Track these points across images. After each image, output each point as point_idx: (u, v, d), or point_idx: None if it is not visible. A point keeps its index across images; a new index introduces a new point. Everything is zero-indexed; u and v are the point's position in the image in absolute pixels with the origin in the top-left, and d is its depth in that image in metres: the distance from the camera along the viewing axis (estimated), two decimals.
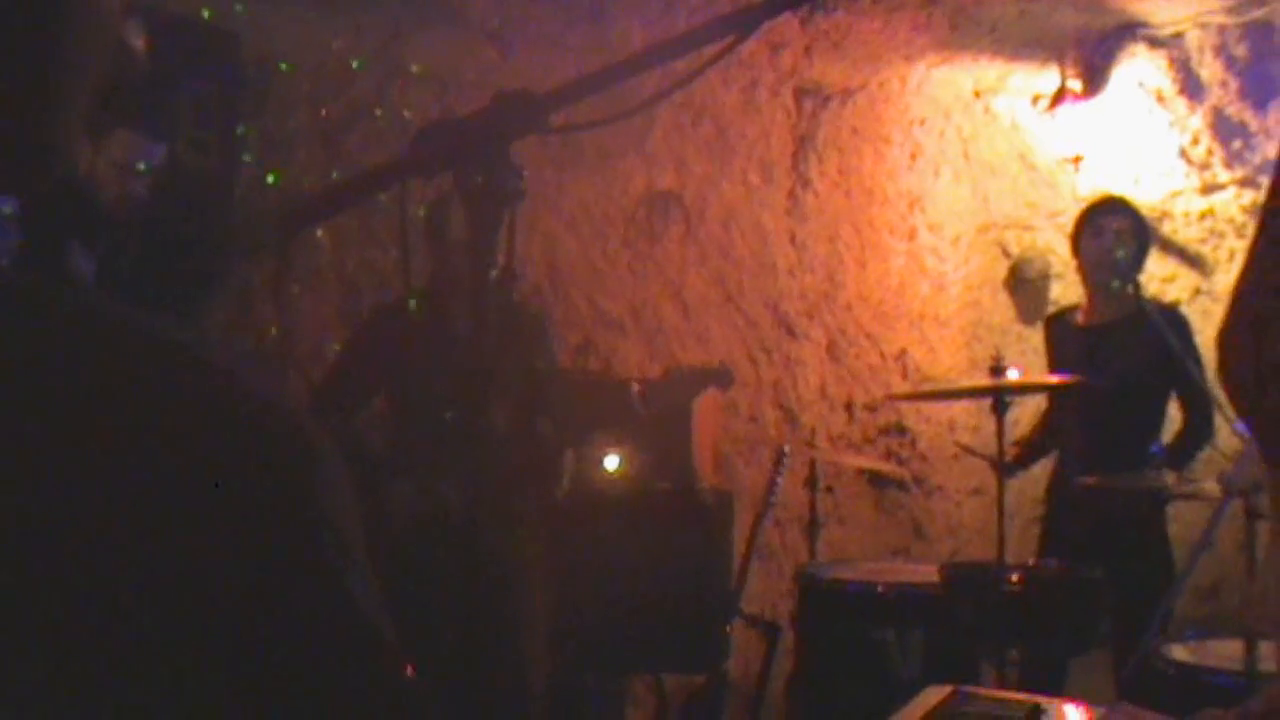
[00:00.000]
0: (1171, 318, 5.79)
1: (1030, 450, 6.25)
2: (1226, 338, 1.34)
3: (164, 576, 0.92)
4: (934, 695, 2.00)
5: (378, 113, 6.10)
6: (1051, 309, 7.81)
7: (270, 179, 5.84)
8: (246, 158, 5.76)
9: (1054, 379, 5.89)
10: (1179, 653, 4.51)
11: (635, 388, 5.90)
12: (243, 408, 1.00)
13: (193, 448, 0.95)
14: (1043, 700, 1.92)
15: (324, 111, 6.16)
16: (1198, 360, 5.67)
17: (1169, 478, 5.01)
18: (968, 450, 6.74)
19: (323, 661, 1.01)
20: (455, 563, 4.95)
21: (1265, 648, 4.21)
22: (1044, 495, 6.20)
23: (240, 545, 0.96)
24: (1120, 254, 5.77)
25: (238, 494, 0.95)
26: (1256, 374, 1.26)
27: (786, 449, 6.14)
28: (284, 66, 6.02)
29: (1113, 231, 5.80)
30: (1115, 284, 5.81)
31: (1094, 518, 5.66)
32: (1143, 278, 6.00)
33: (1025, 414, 7.90)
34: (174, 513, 0.93)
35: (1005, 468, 6.07)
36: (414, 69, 6.28)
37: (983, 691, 2.02)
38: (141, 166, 4.79)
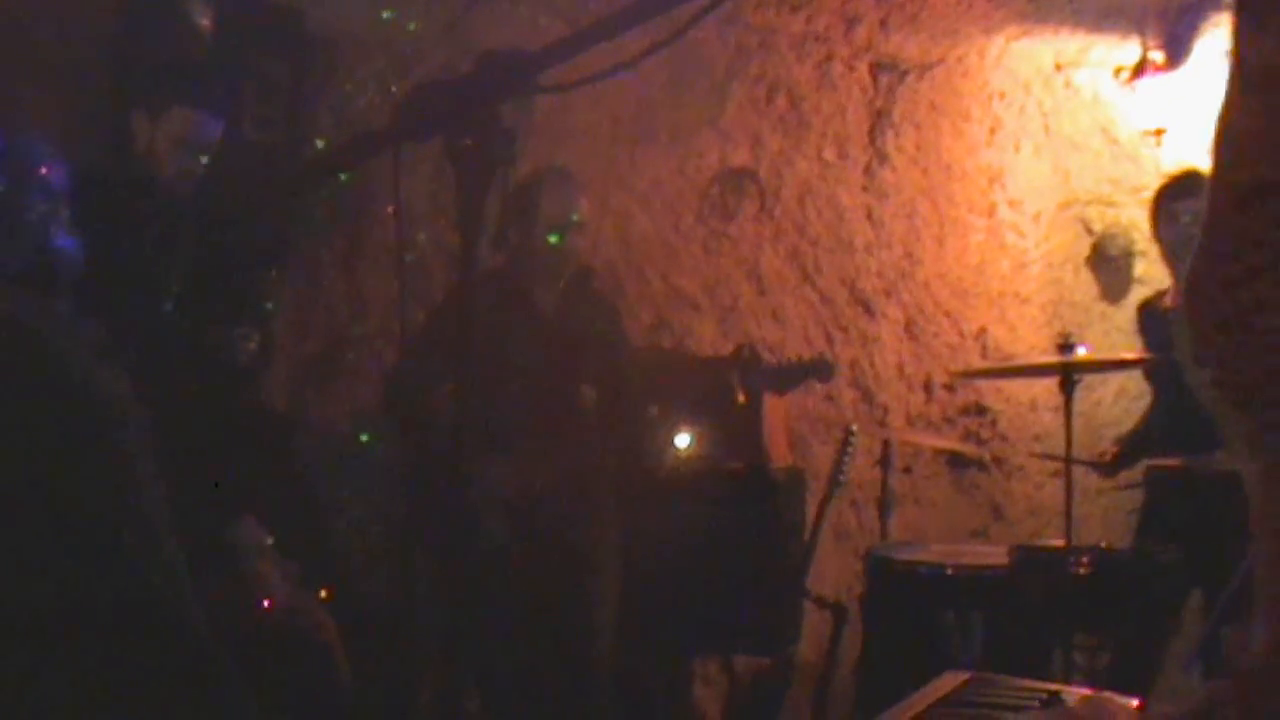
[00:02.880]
0: None
1: (1132, 446, 6.10)
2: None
3: None
4: (950, 681, 1.93)
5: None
6: (1136, 287, 7.70)
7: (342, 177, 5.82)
8: (316, 139, 5.75)
9: (1123, 356, 5.78)
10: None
11: (735, 374, 5.88)
12: None
13: None
14: (1064, 688, 1.85)
15: (393, 89, 6.14)
16: None
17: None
18: (1041, 456, 6.66)
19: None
20: (539, 545, 4.95)
21: None
22: (1141, 480, 6.06)
23: None
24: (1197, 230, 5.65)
25: None
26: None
27: (854, 429, 6.07)
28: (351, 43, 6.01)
29: (1188, 214, 5.67)
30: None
31: (1189, 502, 5.55)
32: None
33: (1122, 405, 7.79)
34: None
35: (1104, 467, 5.97)
36: (484, 46, 6.24)
37: (1001, 678, 1.95)
38: (201, 144, 4.79)
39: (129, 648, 1.24)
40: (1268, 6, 1.25)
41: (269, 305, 5.24)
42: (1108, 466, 6.05)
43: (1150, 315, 6.06)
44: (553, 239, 5.35)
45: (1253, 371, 1.26)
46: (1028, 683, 1.92)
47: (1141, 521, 6.00)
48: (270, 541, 4.57)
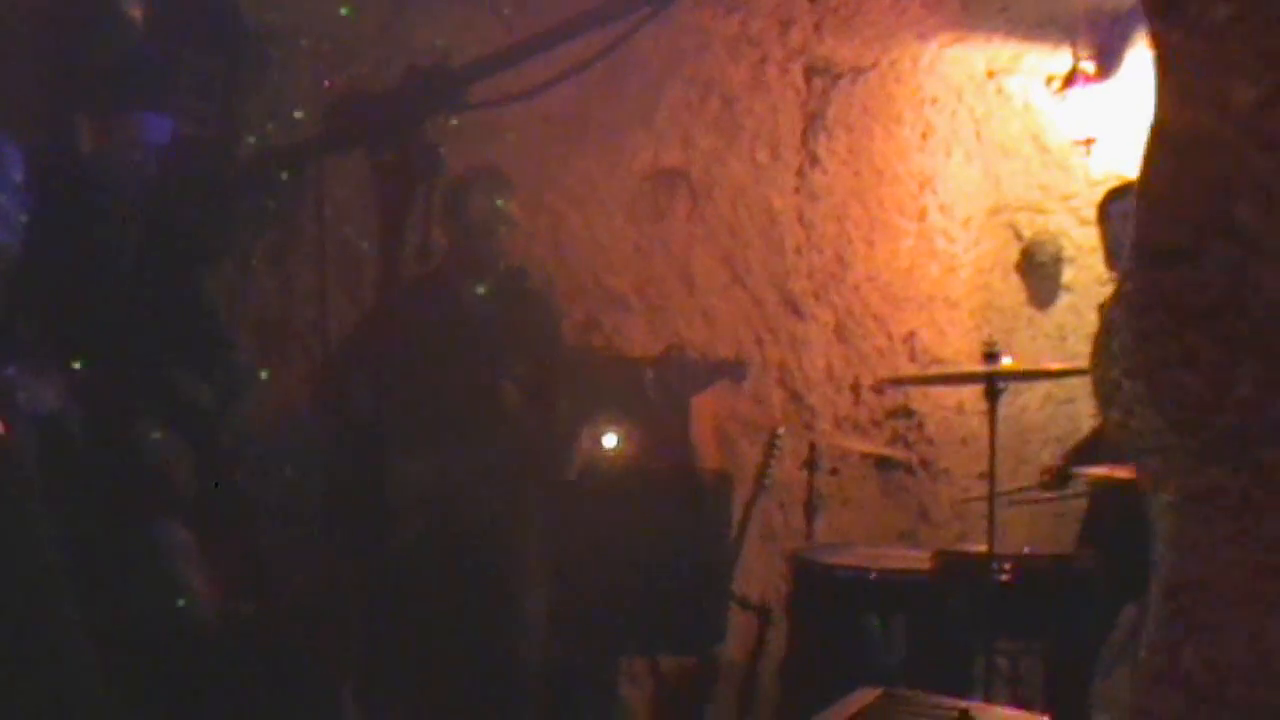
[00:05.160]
0: None
1: (1076, 461, 6.12)
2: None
3: None
4: (862, 697, 1.95)
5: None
6: (1064, 293, 7.76)
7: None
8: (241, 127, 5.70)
9: (1047, 366, 5.84)
10: None
11: (650, 374, 5.88)
12: None
13: None
14: (972, 706, 1.86)
15: (327, 84, 6.10)
16: None
17: None
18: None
19: None
20: (459, 543, 4.94)
21: None
22: (1085, 490, 6.10)
23: None
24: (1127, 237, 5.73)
25: None
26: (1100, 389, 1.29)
27: (780, 431, 6.10)
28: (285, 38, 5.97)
29: (1119, 217, 5.75)
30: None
31: (1117, 509, 5.59)
32: None
33: (1048, 411, 7.85)
34: None
35: (1047, 486, 6.01)
36: (418, 42, 6.22)
37: (913, 695, 1.97)
38: (150, 144, 4.75)
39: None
40: (1195, 75, 1.27)
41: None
42: (1050, 484, 6.09)
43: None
44: (481, 237, 5.36)
45: (1155, 421, 1.29)
46: (939, 700, 1.93)
47: (1082, 531, 6.05)
48: (193, 541, 4.54)
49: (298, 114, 5.93)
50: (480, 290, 5.51)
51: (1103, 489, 5.77)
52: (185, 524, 4.59)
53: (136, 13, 5.28)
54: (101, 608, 4.30)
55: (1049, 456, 7.57)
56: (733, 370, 6.41)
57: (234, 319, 5.89)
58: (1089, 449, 6.10)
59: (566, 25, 1.68)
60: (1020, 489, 6.01)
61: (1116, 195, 5.92)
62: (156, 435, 4.65)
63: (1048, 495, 6.18)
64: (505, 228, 5.48)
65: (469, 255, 5.45)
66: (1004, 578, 5.00)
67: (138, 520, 4.49)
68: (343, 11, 6.07)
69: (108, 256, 4.71)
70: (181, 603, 4.45)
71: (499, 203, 5.47)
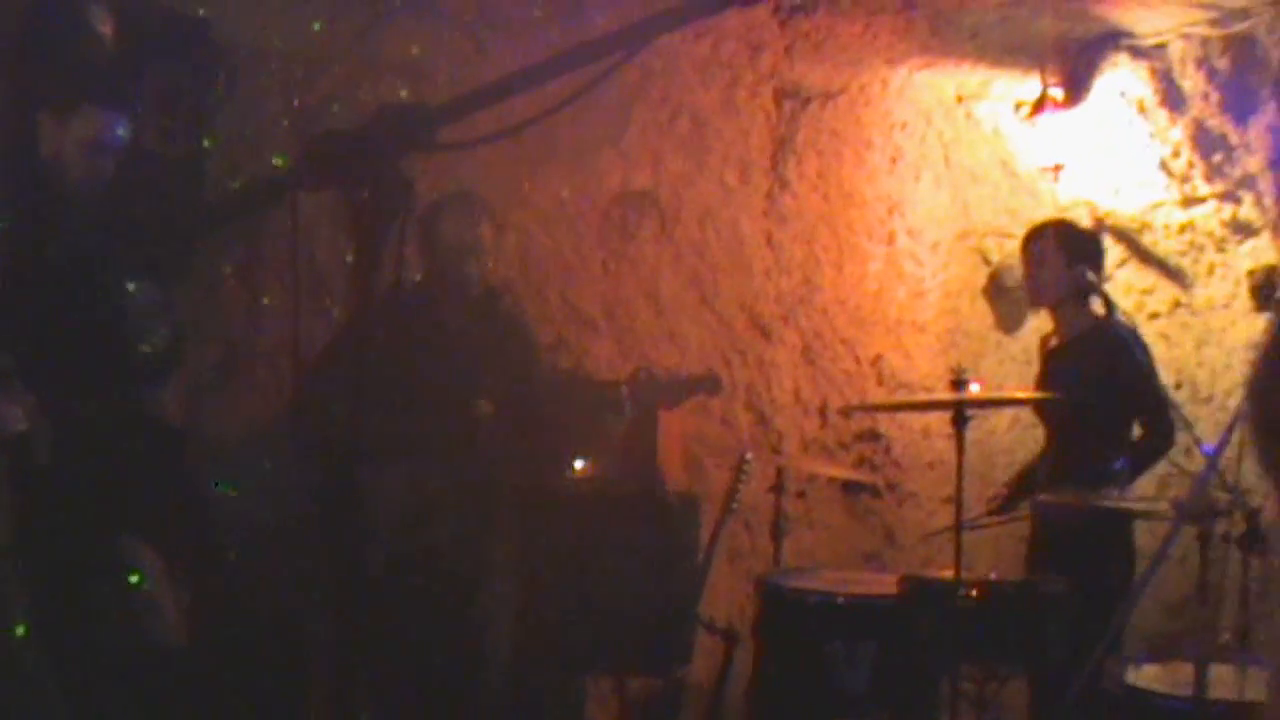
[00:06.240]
0: (1125, 334, 5.80)
1: (1021, 486, 6.17)
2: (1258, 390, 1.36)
3: None
4: None
5: (335, 108, 6.04)
6: (1031, 318, 7.80)
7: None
8: (207, 144, 5.68)
9: (1014, 394, 5.89)
10: (1129, 675, 4.47)
11: (625, 389, 5.91)
12: None
13: None
14: None
15: (296, 101, 6.11)
16: (1149, 375, 5.67)
17: (1120, 496, 4.97)
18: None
19: None
20: (430, 559, 4.94)
21: (1216, 671, 4.17)
22: (1028, 514, 6.15)
23: None
24: (1043, 275, 5.90)
25: None
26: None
27: (748, 456, 6.11)
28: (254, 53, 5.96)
29: (1031, 255, 5.93)
30: (1045, 304, 6.06)
31: (1062, 534, 5.64)
32: (1121, 290, 6.02)
33: (1015, 434, 7.87)
34: None
35: (995, 512, 6.07)
36: (388, 60, 6.23)
37: None
38: (109, 145, 4.74)
39: None
40: None
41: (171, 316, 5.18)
42: (998, 510, 6.15)
43: (1042, 349, 6.18)
44: (454, 264, 5.38)
45: None
46: None
47: (1029, 554, 6.08)
48: (159, 561, 4.53)
49: (265, 131, 5.94)
50: (455, 310, 5.53)
51: (1047, 513, 5.81)
52: (153, 541, 4.58)
53: (106, 29, 5.27)
54: (68, 625, 4.30)
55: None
56: (707, 384, 6.43)
57: (202, 337, 5.88)
58: (1030, 474, 6.15)
59: (542, 66, 1.69)
60: (974, 519, 6.04)
61: (1037, 235, 6.05)
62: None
63: (997, 520, 6.22)
64: (477, 255, 5.50)
65: (444, 280, 5.48)
66: (970, 602, 5.01)
67: (105, 537, 4.48)
68: (314, 26, 6.07)
69: (65, 267, 4.69)
70: (149, 620, 4.44)
71: (472, 229, 5.50)
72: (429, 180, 5.77)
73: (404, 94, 6.19)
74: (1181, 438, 5.72)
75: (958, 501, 5.05)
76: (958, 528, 4.99)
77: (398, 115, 1.69)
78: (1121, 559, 5.63)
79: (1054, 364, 6.00)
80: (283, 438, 5.62)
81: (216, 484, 5.57)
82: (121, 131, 4.77)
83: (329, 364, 5.06)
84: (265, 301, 6.03)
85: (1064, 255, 5.84)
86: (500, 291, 5.87)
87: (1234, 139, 7.16)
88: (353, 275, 1.71)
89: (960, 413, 5.00)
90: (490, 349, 5.57)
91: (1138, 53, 7.24)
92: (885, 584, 5.46)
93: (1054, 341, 6.05)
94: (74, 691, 4.19)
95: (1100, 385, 5.66)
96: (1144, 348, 5.82)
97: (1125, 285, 6.32)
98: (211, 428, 5.89)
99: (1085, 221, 7.27)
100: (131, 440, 4.76)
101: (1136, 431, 5.77)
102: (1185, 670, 4.23)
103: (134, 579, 4.46)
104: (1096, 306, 5.89)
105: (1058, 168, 7.78)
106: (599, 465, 6.02)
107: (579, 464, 5.98)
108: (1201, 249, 7.54)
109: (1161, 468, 6.12)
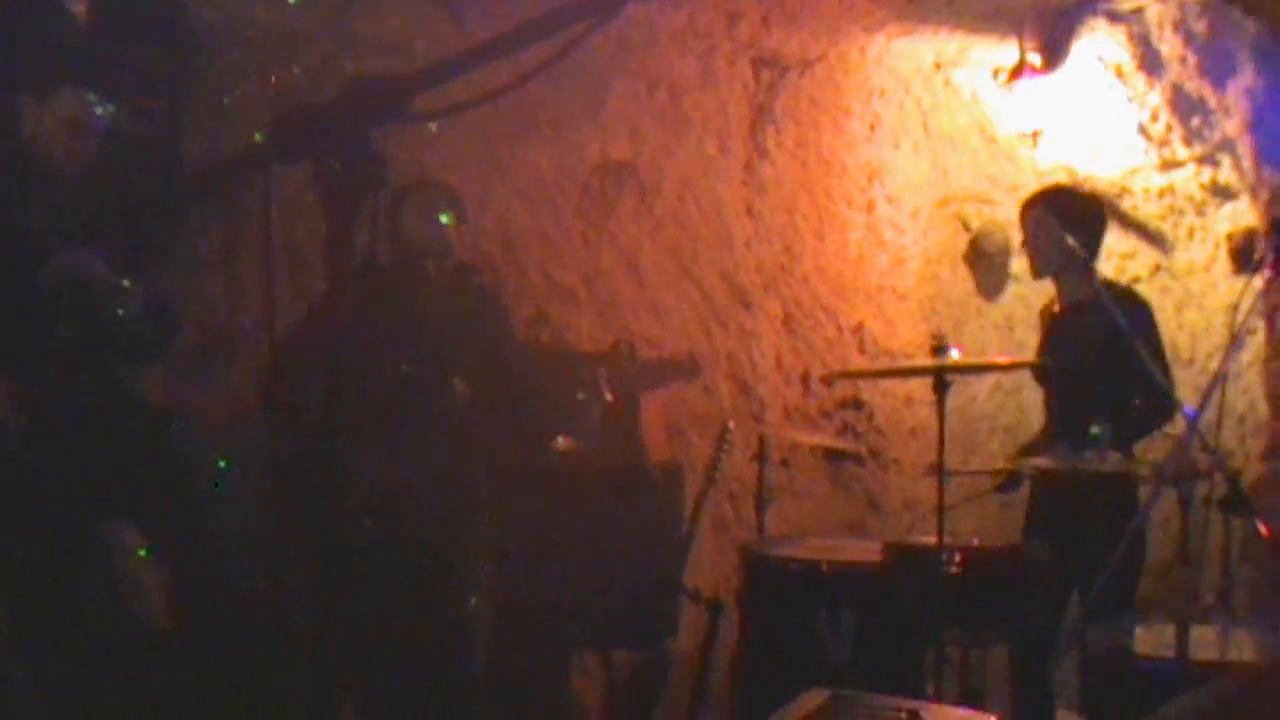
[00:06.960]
0: (1127, 300, 5.78)
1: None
2: None
3: None
4: (810, 699, 1.95)
5: (313, 85, 6.01)
6: (1011, 283, 7.81)
7: None
8: (186, 122, 5.66)
9: (994, 359, 5.89)
10: (1112, 637, 4.49)
11: (602, 373, 5.90)
12: None
13: None
14: (920, 705, 1.87)
15: (273, 79, 6.07)
16: (1152, 342, 5.65)
17: (1103, 460, 4.95)
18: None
19: None
20: (408, 538, 4.93)
21: (1198, 633, 4.19)
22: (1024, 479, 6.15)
23: None
24: (1039, 244, 5.87)
25: None
26: None
27: (730, 425, 6.12)
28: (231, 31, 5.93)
29: (1026, 224, 5.91)
30: (1046, 272, 5.98)
31: (1062, 500, 5.63)
32: (1103, 256, 6.01)
33: (997, 400, 7.89)
34: None
35: (1001, 487, 6.07)
36: (366, 37, 6.20)
37: (861, 696, 1.98)
38: (91, 125, 4.72)
39: None
40: None
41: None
42: (1004, 487, 6.14)
43: (1045, 316, 6.17)
44: (416, 254, 5.37)
45: None
46: (888, 700, 1.94)
47: (1026, 520, 6.09)
48: (144, 543, 4.52)
49: (242, 111, 5.91)
50: (425, 290, 5.51)
51: (1040, 478, 5.82)
52: (137, 523, 4.57)
53: (80, 8, 5.25)
54: (52, 608, 4.28)
55: (998, 445, 7.64)
56: (685, 369, 6.44)
57: (182, 318, 5.86)
58: (1034, 447, 6.14)
59: (514, 33, 1.68)
60: (978, 493, 6.05)
61: (1031, 203, 6.03)
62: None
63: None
64: (437, 247, 5.46)
65: (411, 265, 5.46)
66: (954, 569, 5.02)
67: (88, 522, 4.47)
68: (291, 3, 6.04)
69: (49, 236, 4.67)
70: (132, 604, 4.43)
71: (431, 221, 5.46)
72: (407, 154, 5.76)
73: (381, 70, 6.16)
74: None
75: (940, 467, 5.04)
76: (940, 493, 4.99)
77: (369, 87, 1.67)
78: (1122, 523, 5.63)
79: (1057, 329, 6.00)
80: (262, 418, 5.61)
81: (218, 465, 5.55)
82: (101, 112, 4.74)
83: (302, 344, 5.06)
84: (245, 281, 6.00)
85: (1058, 223, 5.82)
86: (473, 268, 5.84)
87: (1212, 102, 7.16)
88: (325, 250, 1.69)
89: (941, 379, 5.00)
90: (463, 327, 5.55)
91: (1115, 17, 7.23)
92: (869, 551, 5.46)
93: (1055, 308, 6.04)
94: (57, 675, 4.18)
95: (1096, 351, 5.65)
96: (1145, 316, 5.79)
97: (1106, 250, 6.30)
98: (194, 407, 5.88)
99: None
100: (114, 422, 4.74)
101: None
102: (1168, 632, 4.25)
103: (119, 560, 4.45)
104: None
105: (1036, 133, 7.79)
106: (581, 440, 6.01)
107: (560, 440, 5.96)
108: (1181, 213, 7.55)
109: None
